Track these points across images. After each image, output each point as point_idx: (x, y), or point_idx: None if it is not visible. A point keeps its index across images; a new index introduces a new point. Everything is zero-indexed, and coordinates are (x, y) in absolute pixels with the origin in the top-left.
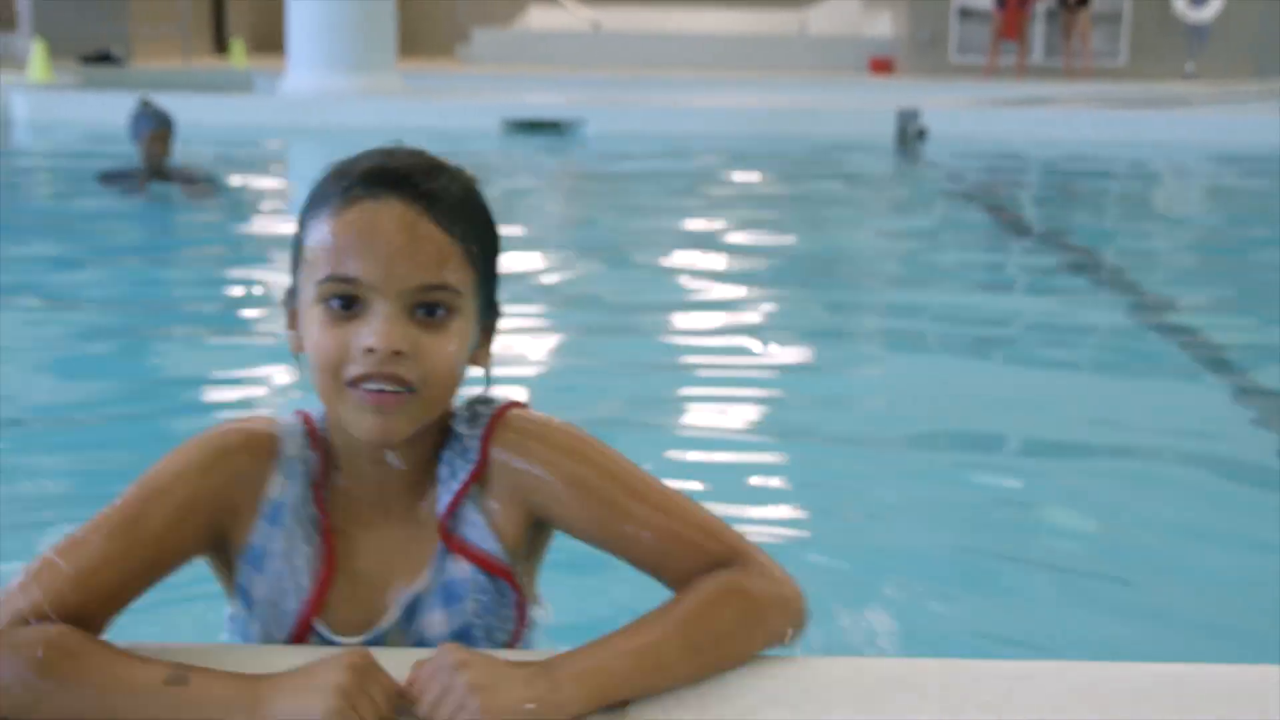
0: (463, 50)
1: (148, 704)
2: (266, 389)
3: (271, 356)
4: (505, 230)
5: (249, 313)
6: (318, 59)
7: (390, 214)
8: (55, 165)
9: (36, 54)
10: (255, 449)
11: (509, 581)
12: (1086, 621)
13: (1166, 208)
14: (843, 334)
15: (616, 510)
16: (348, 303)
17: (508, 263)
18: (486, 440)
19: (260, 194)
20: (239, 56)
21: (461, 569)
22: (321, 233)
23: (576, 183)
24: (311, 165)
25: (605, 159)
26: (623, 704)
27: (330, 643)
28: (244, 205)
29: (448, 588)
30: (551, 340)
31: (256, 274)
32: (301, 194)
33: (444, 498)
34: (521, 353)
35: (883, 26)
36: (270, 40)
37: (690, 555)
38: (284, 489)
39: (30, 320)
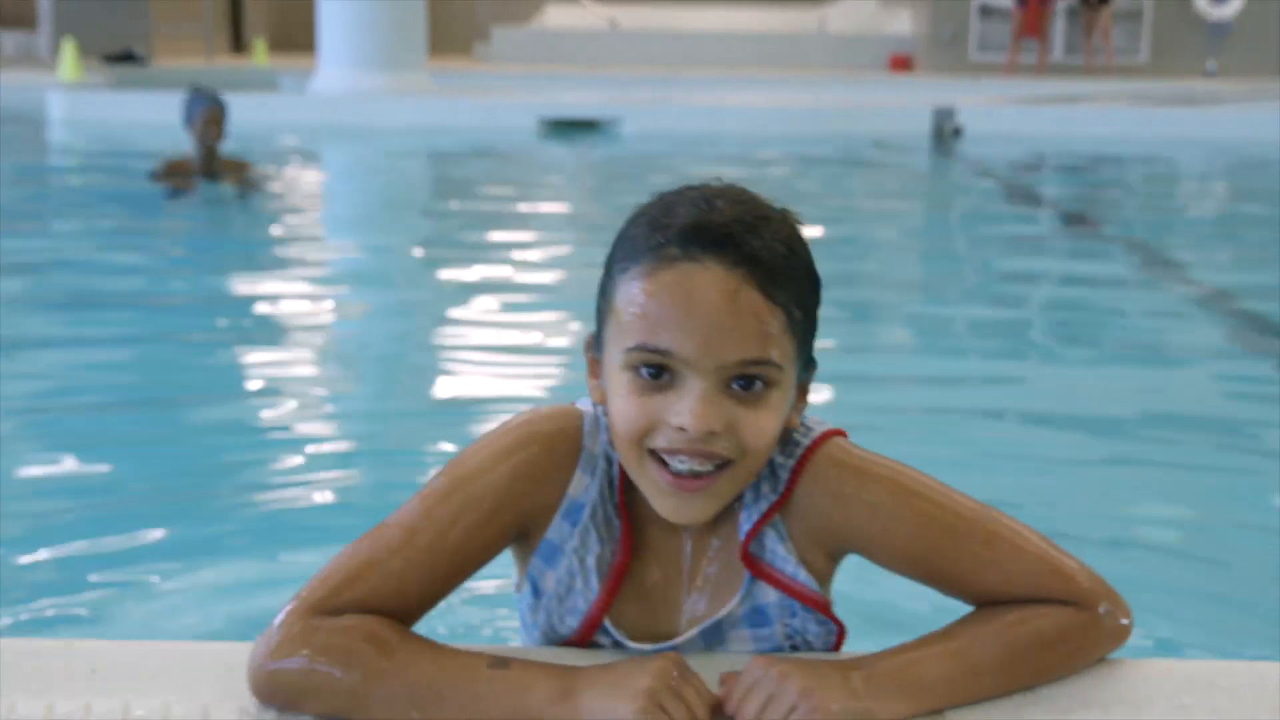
0: (481, 49)
1: (474, 686)
2: (301, 397)
3: (303, 362)
4: (548, 232)
5: (284, 317)
6: (349, 58)
7: (709, 281)
8: (101, 165)
9: (67, 53)
10: (559, 444)
11: (825, 613)
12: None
13: (1222, 203)
14: (899, 328)
15: (942, 555)
16: (658, 372)
17: (555, 259)
18: (798, 471)
19: (300, 194)
20: (261, 55)
21: (769, 594)
22: (632, 293)
23: (618, 182)
24: (348, 164)
25: (644, 157)
26: (938, 711)
27: (620, 645)
28: (285, 206)
29: (756, 611)
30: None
31: (299, 280)
32: (341, 193)
33: (745, 523)
34: (563, 357)
35: (902, 24)
36: (287, 40)
37: (1025, 594)
38: (584, 488)
39: (74, 321)
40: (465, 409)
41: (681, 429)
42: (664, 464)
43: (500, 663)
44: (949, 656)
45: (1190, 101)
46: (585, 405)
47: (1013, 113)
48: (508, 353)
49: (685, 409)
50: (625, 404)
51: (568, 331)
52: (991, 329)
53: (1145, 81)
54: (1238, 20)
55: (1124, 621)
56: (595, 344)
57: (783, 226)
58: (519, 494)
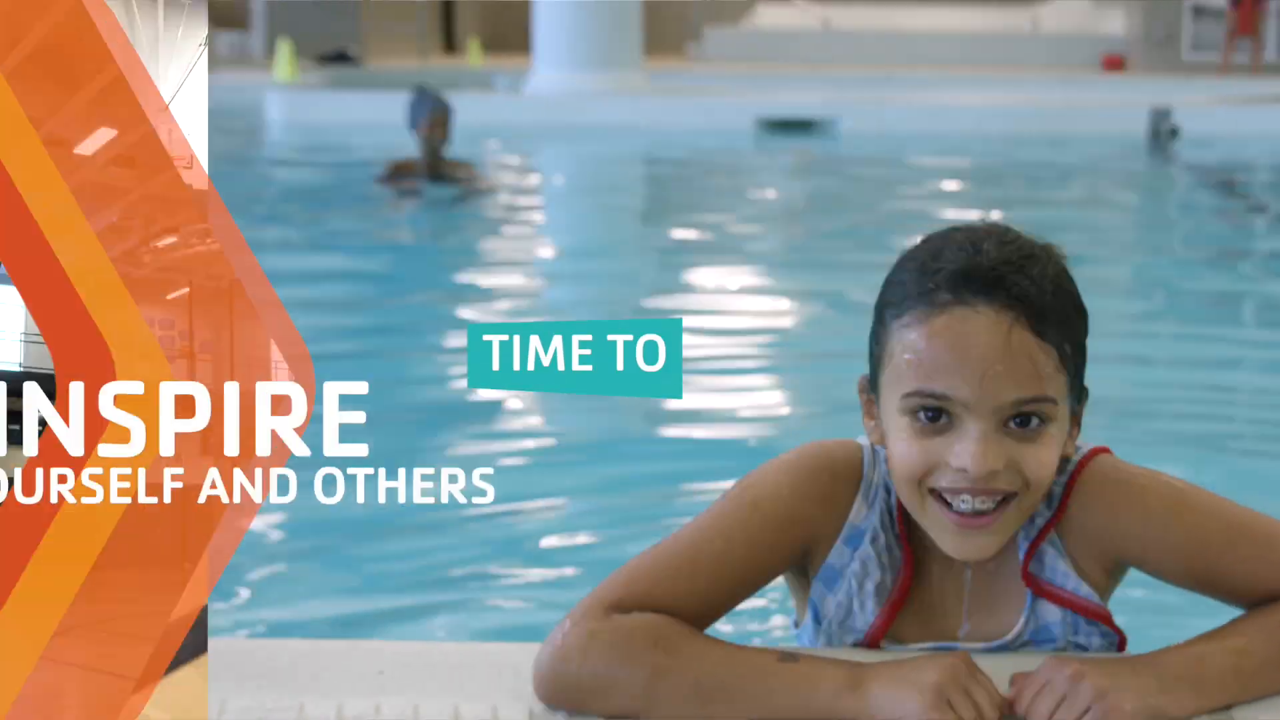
0: (694, 49)
1: (764, 680)
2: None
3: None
4: (769, 232)
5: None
6: (565, 58)
7: (982, 325)
8: (323, 166)
9: (283, 54)
10: (843, 473)
11: (1108, 625)
12: None
13: None
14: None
15: (1219, 560)
16: (936, 414)
17: (775, 259)
18: (1070, 488)
19: (525, 195)
20: (475, 56)
21: (1052, 612)
22: (907, 339)
23: (836, 181)
24: (567, 165)
25: (861, 157)
26: (1226, 707)
27: None
28: (507, 208)
29: (1041, 631)
30: (810, 342)
31: (521, 280)
32: (560, 194)
33: (1023, 542)
34: (782, 358)
35: (1115, 24)
36: (500, 40)
37: None
38: (865, 515)
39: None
40: (693, 409)
41: (963, 470)
42: (947, 503)
43: (789, 657)
44: (1235, 651)
45: None
46: (863, 439)
47: (1229, 113)
48: (725, 353)
49: (965, 451)
50: (905, 447)
51: (791, 331)
52: (1210, 328)
53: None
54: None
55: None
56: (870, 385)
57: (1048, 264)
58: (806, 515)
